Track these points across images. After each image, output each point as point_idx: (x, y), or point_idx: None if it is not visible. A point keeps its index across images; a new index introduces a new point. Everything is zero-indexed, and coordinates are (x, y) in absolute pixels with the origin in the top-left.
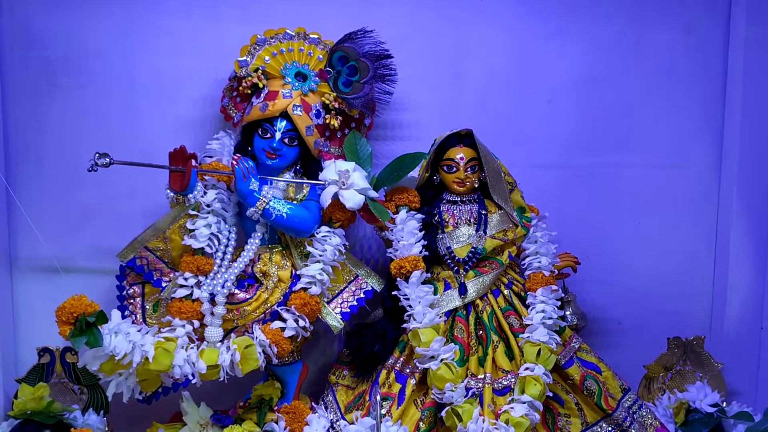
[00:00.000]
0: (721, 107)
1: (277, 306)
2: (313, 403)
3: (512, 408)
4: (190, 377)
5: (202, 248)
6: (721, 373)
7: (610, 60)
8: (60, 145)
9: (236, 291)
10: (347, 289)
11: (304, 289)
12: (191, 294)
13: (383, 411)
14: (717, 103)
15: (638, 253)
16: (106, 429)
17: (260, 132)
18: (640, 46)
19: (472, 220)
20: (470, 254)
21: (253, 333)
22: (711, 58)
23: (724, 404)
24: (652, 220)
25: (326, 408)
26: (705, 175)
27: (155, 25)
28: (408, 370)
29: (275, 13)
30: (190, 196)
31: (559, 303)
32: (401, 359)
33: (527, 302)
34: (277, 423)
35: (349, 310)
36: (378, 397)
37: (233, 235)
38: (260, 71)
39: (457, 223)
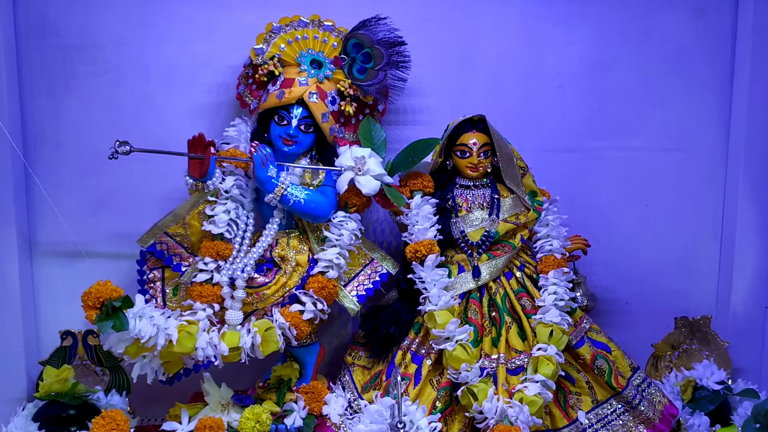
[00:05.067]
0: (728, 92)
1: (296, 289)
2: (330, 383)
3: (526, 387)
4: (212, 359)
5: (221, 234)
6: (726, 351)
7: (619, 45)
8: (77, 133)
9: (255, 275)
10: (363, 272)
11: (322, 273)
12: (211, 278)
13: (401, 390)
14: (724, 88)
15: (646, 235)
16: (129, 409)
17: (276, 119)
18: (649, 31)
19: (485, 204)
20: (483, 238)
21: (272, 316)
22: (719, 43)
23: (730, 382)
24: (659, 202)
25: (343, 388)
26: (712, 158)
27: (169, 13)
28: (423, 351)
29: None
30: (209, 182)
31: (570, 285)
32: (417, 340)
33: (539, 284)
34: (296, 402)
35: (365, 293)
36: (399, 378)
37: (251, 221)
38: (276, 59)
39: (470, 208)
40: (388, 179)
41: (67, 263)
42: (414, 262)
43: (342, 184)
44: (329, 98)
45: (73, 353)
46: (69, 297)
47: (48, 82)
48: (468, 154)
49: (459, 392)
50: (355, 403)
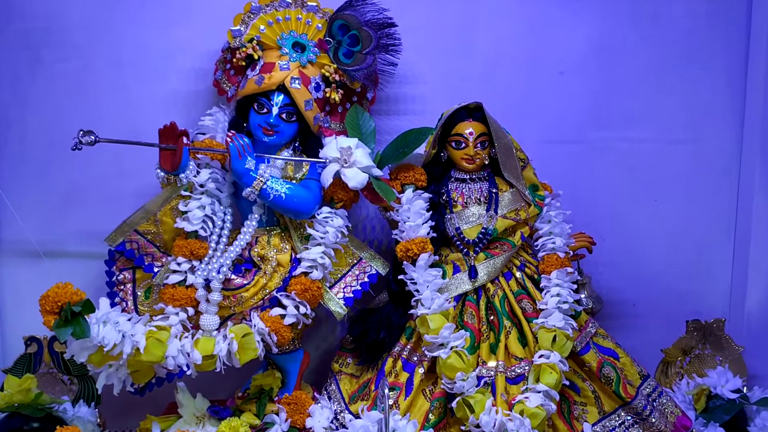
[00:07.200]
0: (743, 78)
1: (277, 292)
2: (315, 393)
3: (527, 398)
4: (185, 368)
5: (196, 231)
6: (741, 356)
7: (626, 28)
8: (43, 123)
9: (233, 276)
10: (350, 273)
11: (305, 274)
12: (185, 280)
13: (390, 402)
14: (739, 74)
15: (654, 232)
16: (98, 421)
17: (256, 107)
18: (659, 13)
19: (482, 199)
20: (480, 235)
21: (251, 320)
22: (732, 27)
23: (745, 389)
24: (669, 197)
25: (329, 398)
26: (726, 149)
27: None
28: (416, 359)
29: None
30: (182, 175)
31: (574, 286)
32: (408, 347)
33: (541, 285)
34: (277, 414)
35: (352, 295)
36: (386, 390)
37: (229, 217)
38: (255, 41)
39: (466, 203)
40: (377, 172)
41: (33, 264)
42: (405, 262)
43: (327, 177)
44: (313, 84)
45: (38, 360)
46: (36, 300)
47: (11, 68)
48: (464, 145)
49: (454, 403)
50: (342, 414)
